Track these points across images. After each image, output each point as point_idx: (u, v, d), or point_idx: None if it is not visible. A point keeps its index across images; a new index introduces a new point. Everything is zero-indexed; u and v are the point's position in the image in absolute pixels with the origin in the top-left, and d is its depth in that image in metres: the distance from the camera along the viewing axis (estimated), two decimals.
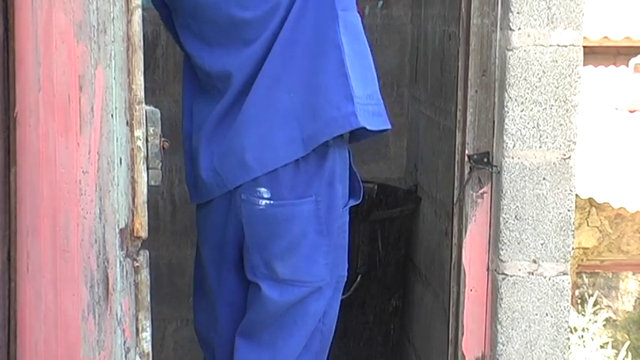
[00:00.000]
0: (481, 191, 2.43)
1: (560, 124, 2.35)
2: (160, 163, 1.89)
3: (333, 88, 2.17)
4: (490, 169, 2.40)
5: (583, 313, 8.22)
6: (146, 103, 1.83)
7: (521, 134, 2.35)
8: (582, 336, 7.89)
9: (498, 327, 2.40)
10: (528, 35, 2.32)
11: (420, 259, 3.42)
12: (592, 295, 8.69)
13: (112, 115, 1.78)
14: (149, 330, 1.85)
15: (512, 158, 2.35)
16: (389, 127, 2.27)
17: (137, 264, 1.82)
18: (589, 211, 8.15)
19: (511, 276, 2.39)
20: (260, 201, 2.25)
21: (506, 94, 2.34)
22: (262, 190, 2.26)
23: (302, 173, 2.26)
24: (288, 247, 2.29)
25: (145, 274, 1.84)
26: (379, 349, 3.51)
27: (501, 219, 2.37)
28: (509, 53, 2.32)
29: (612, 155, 7.83)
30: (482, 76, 2.40)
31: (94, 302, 1.81)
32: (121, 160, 1.79)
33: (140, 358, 1.84)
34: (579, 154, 2.39)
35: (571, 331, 7.56)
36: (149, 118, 1.84)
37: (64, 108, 1.77)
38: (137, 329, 1.84)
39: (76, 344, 1.82)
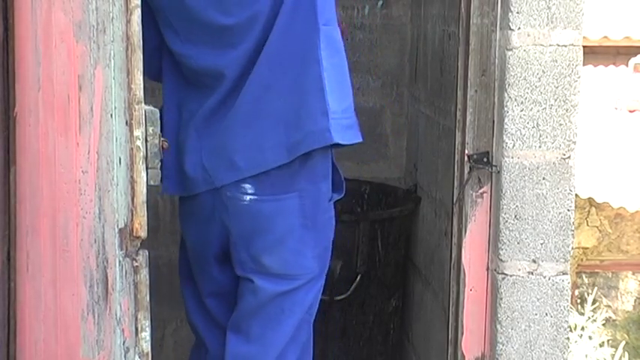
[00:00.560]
0: (481, 191, 2.43)
1: (560, 124, 2.35)
2: (160, 163, 1.89)
3: (312, 102, 2.23)
4: (490, 169, 2.40)
5: (582, 312, 8.22)
6: (145, 103, 1.83)
7: (520, 134, 2.35)
8: (582, 335, 7.90)
9: (498, 327, 2.40)
10: (528, 35, 2.32)
11: (420, 259, 3.42)
12: (591, 294, 8.70)
13: (112, 115, 1.78)
14: (148, 330, 1.85)
15: (512, 158, 2.35)
16: (361, 140, 2.33)
17: (136, 264, 1.82)
18: (589, 211, 8.15)
19: (511, 276, 2.39)
20: (244, 197, 2.30)
21: (505, 94, 2.34)
22: (247, 186, 2.30)
23: (285, 171, 2.30)
24: (274, 242, 2.33)
25: (144, 274, 1.84)
26: (379, 348, 3.51)
27: (501, 219, 2.37)
28: (509, 53, 2.32)
29: (612, 155, 7.83)
30: (482, 75, 2.40)
31: (93, 302, 1.81)
32: (120, 159, 1.79)
33: (139, 357, 1.84)
34: (579, 154, 2.39)
35: (570, 330, 7.56)
36: (148, 118, 1.84)
37: (63, 108, 1.77)
38: (136, 329, 1.84)
39: (76, 344, 1.82)
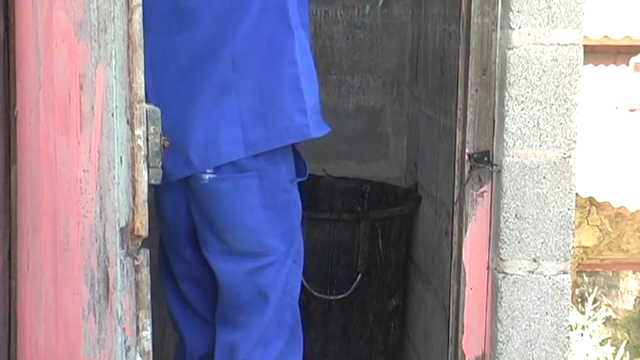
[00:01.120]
0: (481, 190, 2.44)
1: (561, 123, 2.35)
2: (161, 162, 1.90)
3: (286, 100, 2.36)
4: (490, 168, 2.40)
5: (583, 311, 8.22)
6: (146, 102, 1.83)
7: (521, 133, 2.35)
8: (582, 334, 7.90)
9: (498, 326, 2.40)
10: (528, 34, 2.32)
11: (420, 258, 3.42)
12: (591, 293, 8.70)
13: (113, 114, 1.78)
14: (149, 329, 1.86)
15: (513, 157, 2.35)
16: (329, 129, 2.47)
17: (137, 263, 1.82)
18: (589, 210, 8.15)
19: (511, 275, 2.39)
20: (204, 176, 2.39)
21: (506, 93, 2.34)
22: None
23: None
24: (235, 220, 2.41)
25: (145, 273, 1.84)
26: (379, 347, 3.51)
27: (501, 218, 2.37)
28: (510, 52, 2.32)
29: (612, 154, 7.83)
30: (483, 75, 2.40)
31: (94, 301, 1.81)
32: (121, 158, 1.79)
33: (140, 356, 1.85)
34: (579, 153, 2.39)
35: (571, 329, 7.56)
36: (149, 117, 1.84)
37: (64, 107, 1.77)
38: (137, 328, 1.84)
39: (77, 343, 1.82)
